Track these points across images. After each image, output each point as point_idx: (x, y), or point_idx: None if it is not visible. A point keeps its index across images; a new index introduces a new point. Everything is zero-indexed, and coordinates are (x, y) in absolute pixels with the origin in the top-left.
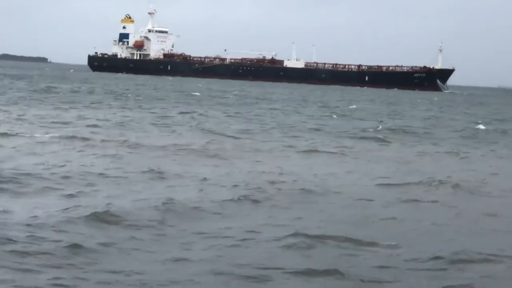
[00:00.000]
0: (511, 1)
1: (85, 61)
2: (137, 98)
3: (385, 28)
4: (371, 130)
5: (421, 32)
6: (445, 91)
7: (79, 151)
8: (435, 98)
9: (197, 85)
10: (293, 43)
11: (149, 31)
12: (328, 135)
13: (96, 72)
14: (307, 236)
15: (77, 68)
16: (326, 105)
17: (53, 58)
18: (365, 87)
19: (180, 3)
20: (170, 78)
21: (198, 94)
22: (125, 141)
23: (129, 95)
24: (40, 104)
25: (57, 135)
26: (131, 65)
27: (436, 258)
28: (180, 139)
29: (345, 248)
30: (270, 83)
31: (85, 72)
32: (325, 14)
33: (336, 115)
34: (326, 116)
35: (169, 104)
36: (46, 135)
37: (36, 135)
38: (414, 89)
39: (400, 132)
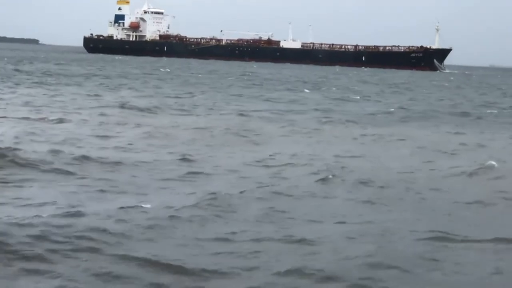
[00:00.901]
0: None
1: (79, 43)
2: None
3: (382, 8)
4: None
5: (418, 12)
6: (442, 70)
7: None
8: (451, 78)
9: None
10: (290, 23)
11: (145, 12)
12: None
13: (95, 54)
14: None
15: (71, 49)
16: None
17: (44, 39)
18: (363, 67)
19: None
20: (165, 59)
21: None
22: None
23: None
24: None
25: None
26: (127, 46)
27: None
28: None
29: None
30: (273, 63)
31: (83, 53)
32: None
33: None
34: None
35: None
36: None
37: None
38: (411, 69)
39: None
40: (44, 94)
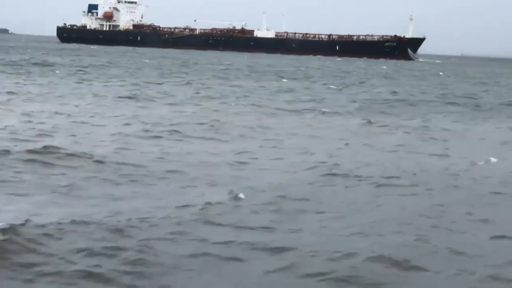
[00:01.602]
0: None
1: (52, 33)
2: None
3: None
4: None
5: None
6: (416, 59)
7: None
8: (441, 73)
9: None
10: (264, 12)
11: (118, 1)
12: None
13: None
14: None
15: (44, 39)
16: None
17: (15, 29)
18: (336, 57)
19: None
20: (138, 49)
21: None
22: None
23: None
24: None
25: None
26: (100, 36)
27: None
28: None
29: None
30: (246, 53)
31: (57, 43)
32: None
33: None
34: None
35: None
36: None
37: None
38: (385, 58)
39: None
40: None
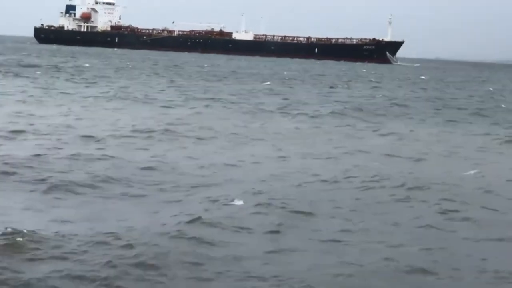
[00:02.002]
0: None
1: (29, 33)
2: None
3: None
4: None
5: (370, 5)
6: (394, 63)
7: None
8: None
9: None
10: (242, 14)
11: (96, 2)
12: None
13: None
14: None
15: (21, 40)
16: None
17: None
18: (314, 60)
19: None
20: (117, 50)
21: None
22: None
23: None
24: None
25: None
26: (78, 37)
27: None
28: None
29: None
30: (226, 55)
31: (35, 44)
32: None
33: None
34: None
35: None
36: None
37: None
38: (363, 61)
39: None
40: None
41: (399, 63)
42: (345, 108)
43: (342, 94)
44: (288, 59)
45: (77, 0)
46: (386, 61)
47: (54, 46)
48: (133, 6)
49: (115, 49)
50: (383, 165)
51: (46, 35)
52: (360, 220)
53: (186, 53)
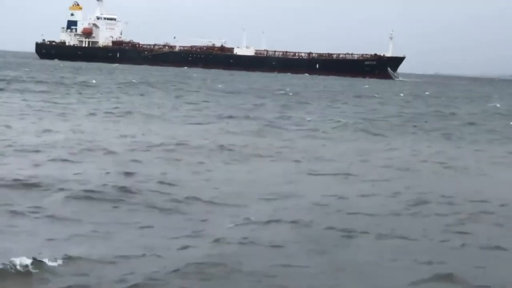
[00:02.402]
0: None
1: (30, 49)
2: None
3: (335, 15)
4: None
5: (371, 20)
6: (396, 79)
7: None
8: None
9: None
10: (244, 30)
11: (98, 18)
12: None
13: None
14: None
15: (23, 55)
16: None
17: None
18: (315, 75)
19: None
20: (118, 65)
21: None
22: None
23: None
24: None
25: None
26: (79, 52)
27: None
28: None
29: None
30: (231, 71)
31: (36, 60)
32: (276, 1)
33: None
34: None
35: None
36: None
37: None
38: (365, 77)
39: None
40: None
41: (400, 79)
42: (369, 122)
43: (359, 109)
44: (291, 75)
45: (79, 16)
46: (388, 76)
47: (57, 62)
48: (134, 21)
49: (117, 64)
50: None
51: (48, 51)
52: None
53: (186, 67)
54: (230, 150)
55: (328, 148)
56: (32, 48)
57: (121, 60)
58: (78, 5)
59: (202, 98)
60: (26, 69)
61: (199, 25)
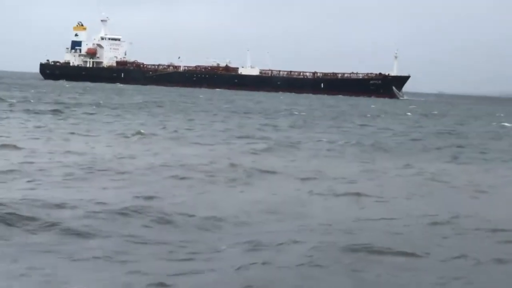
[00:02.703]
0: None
1: (34, 69)
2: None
3: (339, 36)
4: None
5: (375, 39)
6: (401, 98)
7: None
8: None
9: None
10: (248, 50)
11: (102, 38)
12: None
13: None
14: None
15: (27, 76)
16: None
17: None
18: (320, 94)
19: (133, 11)
20: (121, 85)
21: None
22: None
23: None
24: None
25: None
26: (83, 73)
27: None
28: None
29: None
30: (236, 91)
31: (40, 80)
32: (279, 21)
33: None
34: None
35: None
36: None
37: None
38: (370, 96)
39: None
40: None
41: (405, 98)
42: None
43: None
44: (305, 94)
45: (83, 36)
46: (392, 95)
47: (63, 82)
48: (138, 41)
49: (123, 84)
50: None
51: (52, 71)
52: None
53: (192, 88)
54: (245, 169)
55: (341, 167)
56: (36, 69)
57: (125, 81)
58: (82, 25)
59: (219, 119)
60: (32, 91)
61: (204, 45)
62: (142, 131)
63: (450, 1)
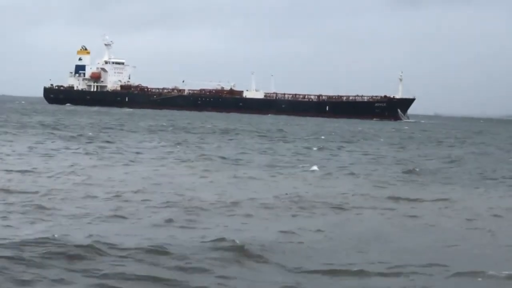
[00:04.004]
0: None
1: (38, 93)
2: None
3: (344, 59)
4: None
5: (379, 62)
6: (406, 120)
7: None
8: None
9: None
10: (252, 73)
11: (106, 62)
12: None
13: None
14: None
15: (31, 100)
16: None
17: None
18: (325, 118)
19: (136, 35)
20: (127, 109)
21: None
22: None
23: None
24: None
25: None
26: (88, 97)
27: None
28: None
29: None
30: (240, 114)
31: (43, 104)
32: (284, 45)
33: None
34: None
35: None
36: None
37: None
38: (375, 119)
39: None
40: None
41: (410, 120)
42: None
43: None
44: (312, 118)
45: (87, 60)
46: (398, 118)
47: (70, 106)
48: (143, 65)
49: (131, 109)
50: None
51: (56, 95)
52: None
53: (201, 112)
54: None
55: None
56: (39, 93)
57: (129, 104)
58: (86, 49)
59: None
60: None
61: (208, 69)
62: None
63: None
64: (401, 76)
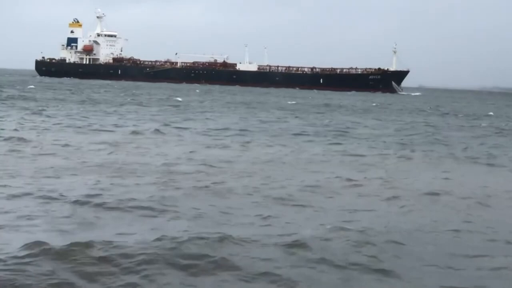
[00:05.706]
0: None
1: (30, 66)
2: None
3: (337, 30)
4: None
5: (374, 34)
6: (400, 93)
7: None
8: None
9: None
10: (246, 46)
11: (98, 35)
12: None
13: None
14: None
15: (22, 73)
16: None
17: None
18: (316, 90)
19: (128, 7)
20: (118, 81)
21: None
22: None
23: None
24: None
25: None
26: (80, 70)
27: None
28: None
29: None
30: (234, 86)
31: (35, 76)
32: (277, 17)
33: None
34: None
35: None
36: None
37: None
38: (369, 91)
39: None
40: None
41: (403, 93)
42: None
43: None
44: (307, 90)
45: (79, 33)
46: (392, 91)
47: (70, 79)
48: (134, 38)
49: (129, 81)
50: None
51: (47, 68)
52: None
53: (191, 84)
54: None
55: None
56: (31, 66)
57: (122, 77)
58: (78, 22)
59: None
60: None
61: (201, 42)
62: None
63: None
64: (395, 48)
